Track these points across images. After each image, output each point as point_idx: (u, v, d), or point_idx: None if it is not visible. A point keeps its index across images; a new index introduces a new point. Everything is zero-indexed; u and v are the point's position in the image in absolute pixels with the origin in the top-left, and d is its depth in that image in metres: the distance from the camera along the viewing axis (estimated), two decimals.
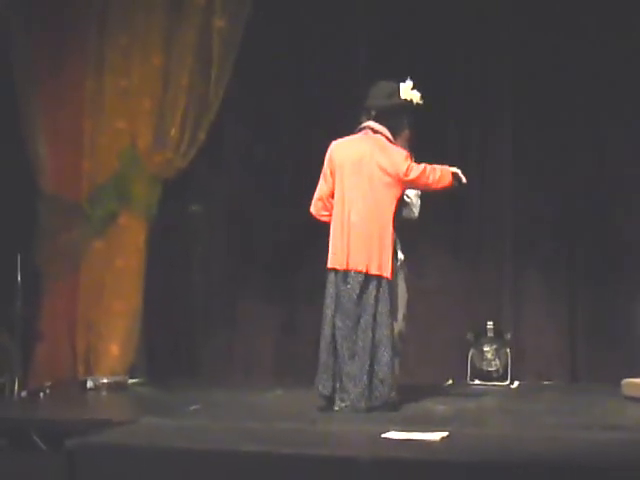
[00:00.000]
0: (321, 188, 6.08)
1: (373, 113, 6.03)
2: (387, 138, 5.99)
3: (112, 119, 7.49)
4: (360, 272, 5.83)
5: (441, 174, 5.93)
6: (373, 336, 5.79)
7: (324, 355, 5.89)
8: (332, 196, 6.03)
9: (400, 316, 5.98)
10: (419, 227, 7.23)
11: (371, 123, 6.02)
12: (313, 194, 6.13)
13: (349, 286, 5.84)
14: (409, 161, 5.92)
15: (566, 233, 7.53)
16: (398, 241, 6.04)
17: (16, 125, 7.34)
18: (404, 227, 6.10)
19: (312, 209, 6.12)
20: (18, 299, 6.92)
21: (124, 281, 7.43)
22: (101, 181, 7.50)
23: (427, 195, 7.29)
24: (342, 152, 6.00)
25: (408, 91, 6.04)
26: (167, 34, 7.43)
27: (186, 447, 4.77)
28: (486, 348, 7.38)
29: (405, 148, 6.04)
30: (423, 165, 5.91)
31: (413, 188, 6.10)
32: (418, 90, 6.04)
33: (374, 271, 5.81)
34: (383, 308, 5.83)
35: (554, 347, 7.51)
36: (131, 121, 7.48)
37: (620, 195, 7.49)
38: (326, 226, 6.03)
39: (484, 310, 7.57)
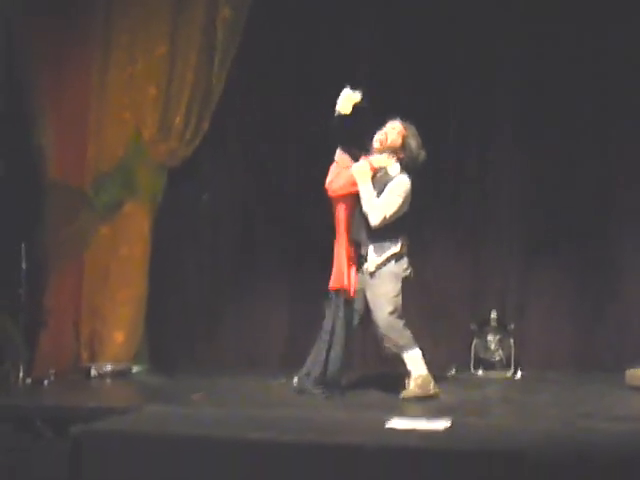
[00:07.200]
0: None
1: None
2: (335, 161, 6.19)
3: (117, 108, 7.49)
4: (333, 290, 6.10)
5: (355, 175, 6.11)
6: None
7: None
8: None
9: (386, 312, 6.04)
10: (422, 215, 7.25)
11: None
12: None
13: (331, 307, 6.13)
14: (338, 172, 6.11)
15: (572, 223, 7.50)
16: (392, 237, 6.08)
17: (21, 113, 7.34)
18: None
19: None
20: (23, 286, 6.94)
21: (129, 269, 7.45)
22: (106, 169, 7.50)
23: (429, 181, 7.32)
24: None
25: (340, 103, 6.12)
26: (172, 23, 7.43)
27: (190, 434, 4.78)
28: (490, 338, 7.38)
29: (371, 151, 6.17)
30: (349, 174, 6.09)
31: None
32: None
33: (337, 285, 6.07)
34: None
35: (558, 337, 7.51)
36: (136, 110, 7.48)
37: (625, 184, 7.48)
38: (331, 220, 6.17)
39: (488, 300, 7.57)
